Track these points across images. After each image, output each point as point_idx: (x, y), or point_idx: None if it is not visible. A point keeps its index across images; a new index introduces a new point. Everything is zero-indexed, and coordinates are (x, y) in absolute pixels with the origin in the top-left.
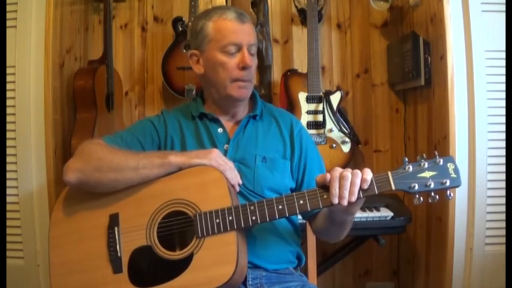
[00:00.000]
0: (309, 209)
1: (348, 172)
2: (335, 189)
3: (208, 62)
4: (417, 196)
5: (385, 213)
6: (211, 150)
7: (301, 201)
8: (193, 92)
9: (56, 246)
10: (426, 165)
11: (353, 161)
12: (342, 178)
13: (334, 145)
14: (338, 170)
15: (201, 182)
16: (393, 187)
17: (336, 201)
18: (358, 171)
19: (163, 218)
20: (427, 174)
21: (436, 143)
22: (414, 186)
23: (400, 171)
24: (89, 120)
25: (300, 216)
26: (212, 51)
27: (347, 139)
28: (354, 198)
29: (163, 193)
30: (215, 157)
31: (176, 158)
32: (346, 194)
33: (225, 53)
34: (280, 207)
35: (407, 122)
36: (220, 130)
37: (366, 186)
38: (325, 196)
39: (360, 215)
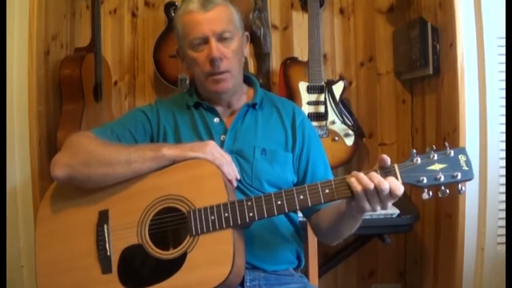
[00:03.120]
0: (310, 205)
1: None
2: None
3: (186, 60)
4: (426, 190)
5: (391, 210)
6: (207, 142)
7: (302, 197)
8: (187, 82)
9: (43, 245)
10: (436, 157)
11: (357, 155)
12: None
13: (337, 138)
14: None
15: (195, 176)
16: (400, 180)
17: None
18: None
19: (156, 215)
20: (437, 166)
21: (445, 135)
22: (423, 179)
23: (408, 164)
24: (75, 112)
25: (300, 214)
26: (185, 49)
27: (350, 132)
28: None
29: (156, 188)
30: (211, 150)
31: (169, 150)
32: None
33: (194, 49)
34: (279, 202)
35: (415, 113)
36: (216, 120)
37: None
38: (327, 191)
39: None
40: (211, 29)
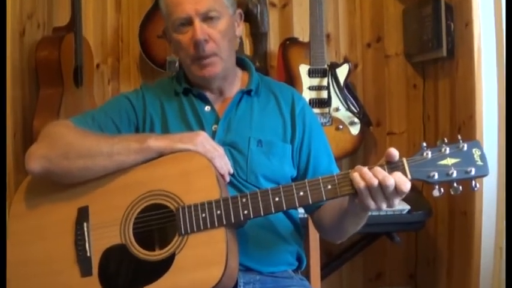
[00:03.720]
0: (311, 202)
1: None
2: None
3: (172, 43)
4: (437, 187)
5: (401, 206)
6: (197, 133)
7: (302, 193)
8: (176, 65)
9: (16, 243)
10: (448, 151)
11: (363, 145)
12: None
13: (341, 126)
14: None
15: (184, 170)
16: (409, 176)
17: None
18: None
19: (141, 212)
20: (449, 161)
21: (460, 124)
22: (433, 175)
23: (417, 158)
24: (53, 98)
25: (301, 210)
26: (170, 31)
27: (356, 119)
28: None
29: (141, 183)
30: (202, 141)
31: (156, 142)
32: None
33: (178, 31)
34: (276, 199)
35: (427, 99)
36: (207, 108)
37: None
38: (329, 187)
39: None
40: (195, 8)
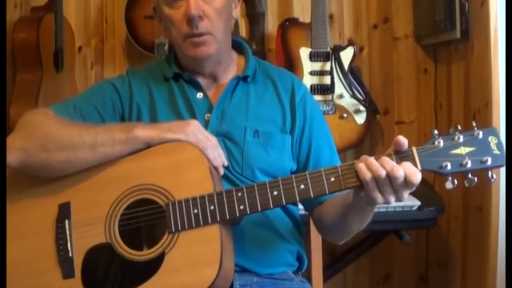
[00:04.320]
0: (312, 196)
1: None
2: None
3: (162, 19)
4: (450, 178)
5: (411, 201)
6: (188, 122)
7: (302, 186)
8: (165, 48)
9: None
10: (461, 139)
11: (369, 135)
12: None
13: (345, 115)
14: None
15: (175, 162)
16: (419, 167)
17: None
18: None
19: (127, 208)
20: (463, 150)
21: (476, 111)
22: (446, 165)
23: (428, 147)
24: (32, 83)
25: (301, 206)
26: (160, 5)
27: (361, 107)
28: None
29: (128, 177)
30: (193, 131)
31: (144, 131)
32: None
33: (169, 5)
34: (275, 193)
35: (439, 85)
36: (199, 95)
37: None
38: (332, 179)
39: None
40: None
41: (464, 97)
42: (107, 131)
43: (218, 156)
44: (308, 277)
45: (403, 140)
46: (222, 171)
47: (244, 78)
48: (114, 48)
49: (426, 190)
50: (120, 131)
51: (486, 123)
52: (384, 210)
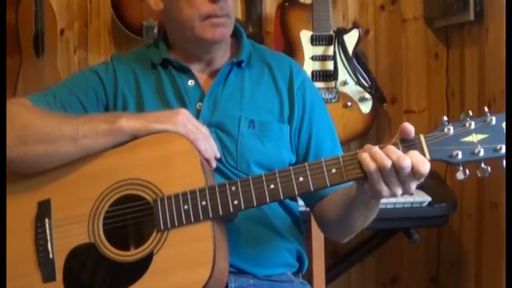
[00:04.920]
0: (312, 190)
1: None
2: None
3: None
4: (461, 168)
5: (420, 197)
6: (177, 111)
7: (301, 178)
8: (155, 31)
9: None
10: (473, 126)
11: (375, 125)
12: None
13: (350, 103)
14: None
15: (163, 155)
16: (427, 156)
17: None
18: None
19: (112, 205)
20: (475, 137)
21: (491, 99)
22: (457, 154)
23: (437, 135)
24: (10, 69)
25: (301, 202)
26: None
27: (367, 95)
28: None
29: (112, 171)
30: (183, 121)
31: (129, 122)
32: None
33: None
34: (272, 186)
35: (451, 71)
36: (191, 83)
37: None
38: (333, 171)
39: (385, 200)
40: None
41: (479, 84)
42: (89, 122)
43: (210, 148)
44: (309, 279)
45: (410, 127)
46: (214, 164)
47: (239, 64)
48: (99, 32)
49: (437, 185)
50: (104, 121)
51: (499, 111)
52: (392, 206)
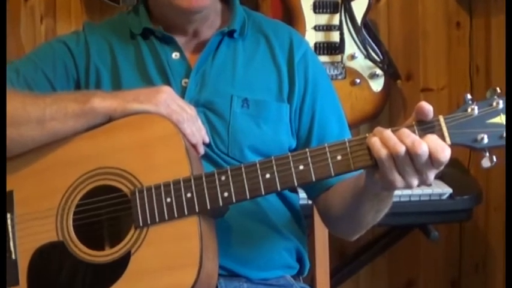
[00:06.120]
0: (314, 180)
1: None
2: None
3: None
4: (487, 155)
5: (439, 188)
6: (159, 88)
7: (302, 167)
8: None
9: None
10: (501, 105)
11: (388, 105)
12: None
13: (358, 80)
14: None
15: (142, 140)
16: (448, 141)
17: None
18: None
19: (84, 198)
20: (503, 119)
21: None
22: (482, 138)
23: (459, 115)
24: None
25: (303, 194)
26: None
27: (378, 71)
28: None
29: (84, 159)
30: (165, 100)
31: (103, 102)
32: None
33: None
34: (267, 176)
35: (475, 44)
36: (175, 55)
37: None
38: (339, 157)
39: (399, 192)
40: None
41: (507, 58)
42: (58, 101)
43: (197, 131)
44: (311, 282)
45: (427, 107)
46: (202, 149)
47: (230, 34)
48: None
49: (459, 174)
50: (74, 101)
51: None
52: (407, 199)
